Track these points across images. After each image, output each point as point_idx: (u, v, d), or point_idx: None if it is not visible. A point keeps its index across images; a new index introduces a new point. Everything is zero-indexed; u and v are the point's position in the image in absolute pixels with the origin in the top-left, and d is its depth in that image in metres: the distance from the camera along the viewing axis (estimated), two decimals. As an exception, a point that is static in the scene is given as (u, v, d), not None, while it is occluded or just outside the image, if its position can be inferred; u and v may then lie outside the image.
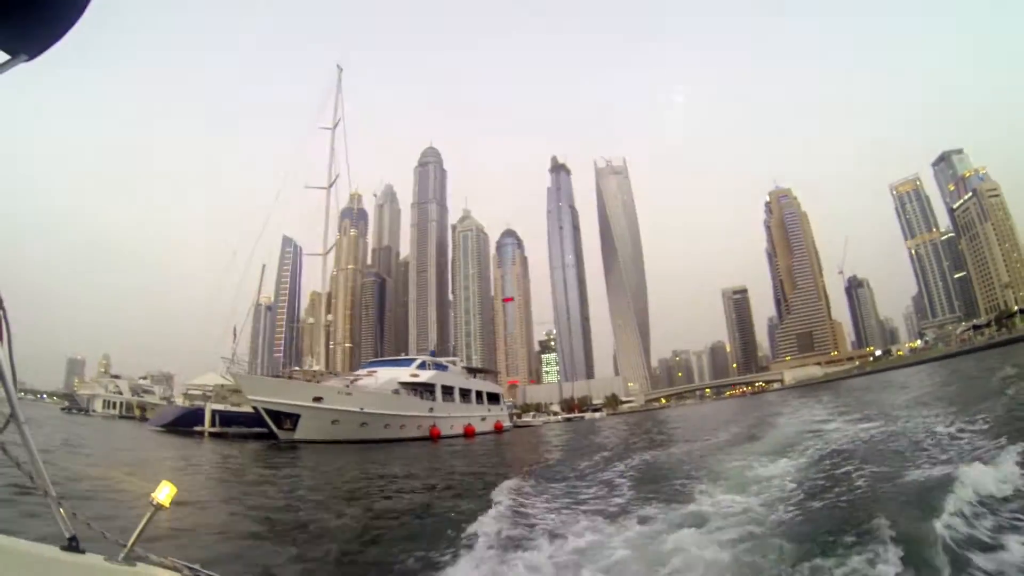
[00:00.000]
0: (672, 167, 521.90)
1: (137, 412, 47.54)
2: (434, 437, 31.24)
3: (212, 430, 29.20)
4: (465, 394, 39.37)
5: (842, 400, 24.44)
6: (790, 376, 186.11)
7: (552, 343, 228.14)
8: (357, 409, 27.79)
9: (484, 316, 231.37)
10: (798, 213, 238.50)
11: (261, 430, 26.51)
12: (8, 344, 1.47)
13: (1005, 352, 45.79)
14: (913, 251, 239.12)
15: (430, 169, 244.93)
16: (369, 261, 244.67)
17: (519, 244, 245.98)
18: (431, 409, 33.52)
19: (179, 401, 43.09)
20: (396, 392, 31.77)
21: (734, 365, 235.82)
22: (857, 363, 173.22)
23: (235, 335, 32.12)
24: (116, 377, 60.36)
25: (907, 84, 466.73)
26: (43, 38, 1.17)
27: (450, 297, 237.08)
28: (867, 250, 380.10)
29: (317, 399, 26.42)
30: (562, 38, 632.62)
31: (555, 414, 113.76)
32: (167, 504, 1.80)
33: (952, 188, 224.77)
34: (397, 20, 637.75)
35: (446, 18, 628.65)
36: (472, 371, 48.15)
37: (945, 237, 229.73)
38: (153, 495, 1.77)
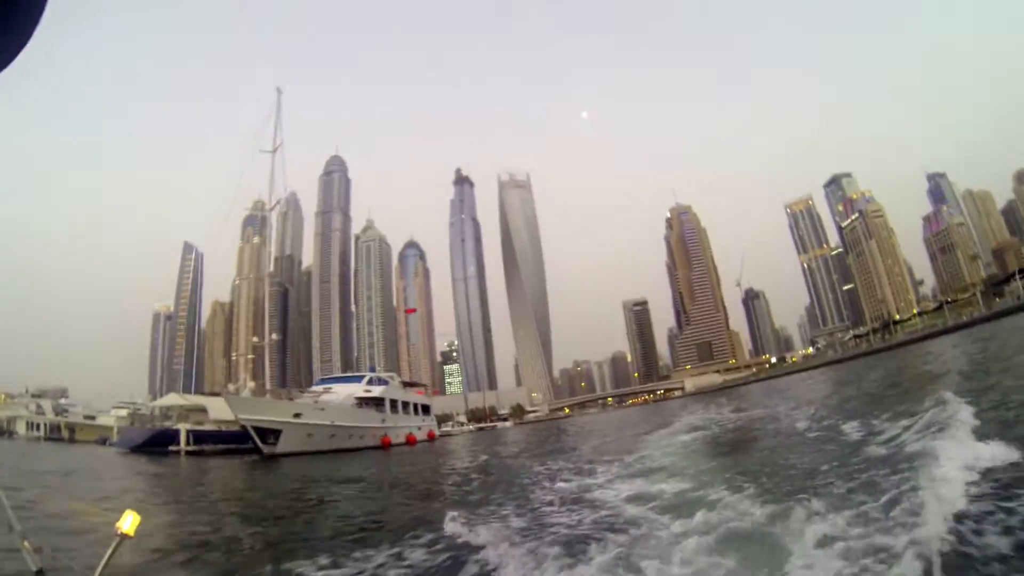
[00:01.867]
0: (577, 183, 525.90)
1: (65, 433, 45.13)
2: (385, 445, 34.25)
3: (189, 449, 29.77)
4: (405, 406, 42.67)
5: (736, 403, 28.34)
6: (691, 384, 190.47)
7: (454, 354, 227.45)
8: (329, 423, 30.53)
9: (387, 327, 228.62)
10: (697, 229, 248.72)
11: (232, 446, 29.04)
12: None
13: (879, 358, 51.85)
14: (805, 265, 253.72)
15: (335, 178, 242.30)
16: (271, 270, 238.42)
17: (422, 255, 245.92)
18: (383, 420, 36.64)
19: (107, 420, 43.26)
20: (354, 406, 34.77)
21: (636, 375, 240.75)
22: (754, 370, 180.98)
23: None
24: (37, 397, 55.80)
25: (805, 110, 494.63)
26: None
27: (352, 308, 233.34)
28: (763, 264, 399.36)
29: (297, 415, 28.95)
30: (471, 52, 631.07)
31: (462, 424, 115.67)
32: (131, 533, 1.71)
33: (841, 208, 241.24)
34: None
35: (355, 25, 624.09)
36: (406, 385, 51.85)
37: (834, 252, 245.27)
38: (118, 524, 1.69)
